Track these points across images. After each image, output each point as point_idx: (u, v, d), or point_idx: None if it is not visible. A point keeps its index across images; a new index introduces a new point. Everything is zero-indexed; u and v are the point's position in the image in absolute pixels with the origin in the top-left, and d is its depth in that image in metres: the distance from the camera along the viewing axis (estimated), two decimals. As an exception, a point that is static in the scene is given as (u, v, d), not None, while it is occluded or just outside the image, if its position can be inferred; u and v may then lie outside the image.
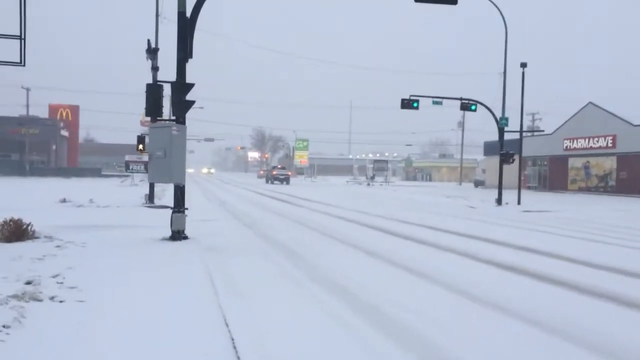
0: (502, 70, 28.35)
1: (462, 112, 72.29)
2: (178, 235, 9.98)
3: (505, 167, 55.83)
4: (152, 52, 17.21)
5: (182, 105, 9.57)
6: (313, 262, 8.58)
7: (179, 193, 10.03)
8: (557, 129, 46.71)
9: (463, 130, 69.05)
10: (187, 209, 10.31)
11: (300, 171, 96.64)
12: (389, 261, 8.91)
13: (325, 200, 28.94)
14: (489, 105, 28.24)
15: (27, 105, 56.96)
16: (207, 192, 35.34)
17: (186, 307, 5.36)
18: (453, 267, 8.60)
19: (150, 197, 21.65)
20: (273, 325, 4.96)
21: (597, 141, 41.57)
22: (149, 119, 59.67)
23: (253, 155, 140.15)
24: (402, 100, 27.15)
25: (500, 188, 28.42)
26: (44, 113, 69.09)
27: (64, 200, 20.90)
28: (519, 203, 28.23)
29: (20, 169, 56.83)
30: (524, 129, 31.81)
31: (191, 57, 9.96)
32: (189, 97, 10.00)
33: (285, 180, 57.05)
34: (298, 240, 11.23)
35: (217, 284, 6.50)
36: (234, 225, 14.31)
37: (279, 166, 66.74)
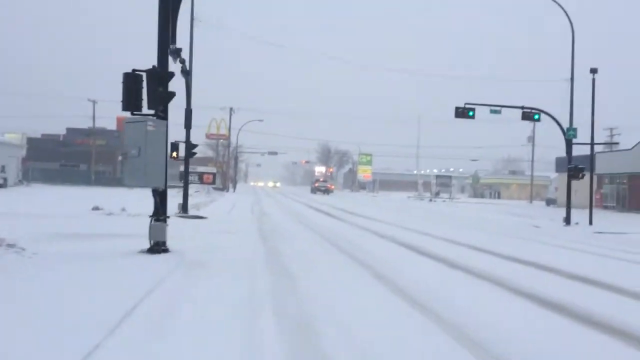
0: (570, 76, 25.52)
1: (531, 125, 68.63)
2: (157, 247, 8.61)
3: (579, 184, 51.57)
4: (175, 52, 16.20)
5: (158, 97, 8.24)
6: (301, 290, 6.87)
7: (158, 198, 8.67)
8: (637, 143, 42.47)
9: (533, 144, 64.77)
10: (168, 217, 8.94)
11: (362, 186, 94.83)
12: (397, 288, 7.09)
13: (364, 212, 27.13)
14: (557, 117, 25.48)
15: (94, 117, 58.81)
16: (257, 203, 34.35)
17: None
18: (482, 305, 6.66)
19: (184, 207, 20.68)
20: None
21: (685, 157, 37.22)
22: (215, 132, 59.93)
23: (320, 169, 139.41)
24: (457, 108, 24.92)
25: (568, 206, 25.49)
26: (112, 125, 71.37)
27: (96, 208, 20.33)
28: (590, 223, 25.21)
29: (86, 179, 58.56)
30: (600, 145, 28.63)
31: (174, 43, 8.66)
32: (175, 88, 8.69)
33: (325, 191, 65.62)
34: (304, 258, 9.59)
35: (137, 322, 4.94)
36: (252, 239, 12.84)
37: (322, 179, 76.12)
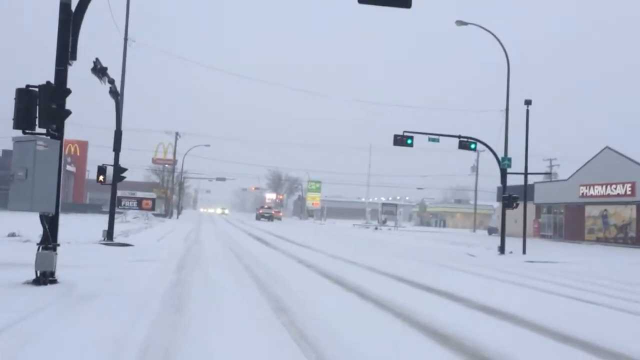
0: (505, 107, 26.24)
1: (476, 154, 70.41)
2: (44, 278, 7.95)
3: (519, 214, 52.87)
4: (99, 71, 15.61)
5: (51, 113, 7.72)
6: (181, 327, 6.38)
7: (47, 225, 8.05)
8: (573, 174, 44.09)
9: (477, 174, 66.37)
10: (58, 245, 8.30)
11: (310, 213, 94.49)
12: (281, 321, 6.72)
13: (303, 241, 26.82)
14: (495, 147, 26.05)
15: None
16: (195, 231, 33.37)
17: None
18: (374, 339, 6.36)
19: (109, 234, 19.71)
20: None
21: (615, 188, 38.75)
22: (161, 156, 58.56)
23: (270, 196, 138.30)
24: (395, 136, 25.13)
25: (502, 235, 25.92)
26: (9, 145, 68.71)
27: (12, 235, 19.18)
28: (524, 252, 25.68)
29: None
30: (537, 175, 29.43)
31: (74, 58, 8.20)
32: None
33: (270, 218, 68.61)
34: (209, 289, 9.11)
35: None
36: (167, 268, 12.21)
37: (266, 206, 78.66)
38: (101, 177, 19.76)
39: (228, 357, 5.11)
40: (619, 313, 8.99)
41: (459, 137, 25.38)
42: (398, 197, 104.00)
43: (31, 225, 24.26)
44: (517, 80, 26.63)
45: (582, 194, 42.06)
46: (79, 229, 26.59)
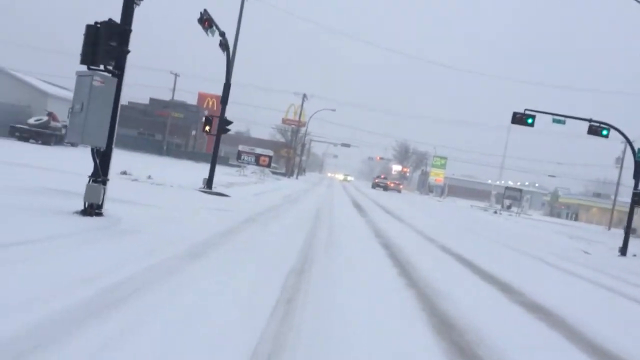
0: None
1: (622, 145, 63.37)
2: (91, 209, 8.27)
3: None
4: (207, 21, 15.90)
5: (109, 50, 7.84)
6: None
7: (98, 159, 8.31)
8: None
9: (621, 166, 59.78)
10: (108, 179, 8.56)
11: (431, 189, 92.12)
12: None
13: (400, 213, 25.94)
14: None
15: (174, 90, 60.80)
16: (302, 191, 33.84)
17: None
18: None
19: (209, 182, 20.52)
20: None
21: None
22: (289, 117, 60.89)
23: (396, 167, 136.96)
24: (514, 114, 23.10)
25: (627, 235, 23.05)
26: (194, 99, 73.79)
27: (124, 173, 20.69)
28: (650, 256, 22.65)
29: (159, 149, 60.81)
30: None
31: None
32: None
33: (384, 187, 70.14)
34: (249, 244, 8.94)
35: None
36: (238, 219, 12.30)
37: (382, 176, 79.66)
38: (207, 128, 20.52)
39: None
40: None
41: (590, 120, 22.66)
42: (527, 183, 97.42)
43: (154, 168, 26.15)
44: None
45: None
46: (193, 176, 28.15)
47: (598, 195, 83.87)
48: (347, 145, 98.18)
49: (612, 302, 9.44)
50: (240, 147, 43.43)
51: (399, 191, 75.76)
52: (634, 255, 22.90)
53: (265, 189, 28.76)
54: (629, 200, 74.56)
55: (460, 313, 6.17)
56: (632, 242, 39.20)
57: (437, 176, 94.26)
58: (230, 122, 20.92)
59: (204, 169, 40.69)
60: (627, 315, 8.39)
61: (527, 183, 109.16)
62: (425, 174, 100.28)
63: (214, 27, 17.25)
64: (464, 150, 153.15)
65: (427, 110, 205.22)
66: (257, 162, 42.06)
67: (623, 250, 22.79)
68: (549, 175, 75.18)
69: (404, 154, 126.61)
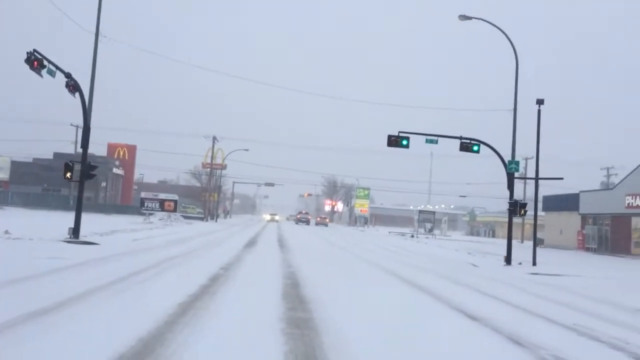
0: (513, 107, 24.11)
1: (525, 162, 66.67)
2: None
3: (565, 224, 49.47)
4: (32, 61, 15.24)
5: None
6: None
7: None
8: (619, 183, 40.54)
9: (525, 181, 62.55)
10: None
11: (357, 220, 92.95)
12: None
13: (304, 244, 25.75)
14: (499, 149, 23.88)
15: (76, 142, 58.67)
16: (205, 234, 32.92)
17: None
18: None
19: (75, 231, 19.42)
20: None
21: (665, 198, 35.07)
22: (208, 161, 59.00)
23: (329, 202, 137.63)
24: (389, 137, 23.54)
25: (509, 244, 23.77)
26: (103, 151, 71.52)
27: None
28: (534, 264, 23.37)
29: (64, 203, 58.03)
30: (547, 180, 26.94)
31: None
32: None
33: (306, 222, 75.58)
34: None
35: None
36: (64, 264, 11.50)
37: (304, 212, 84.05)
38: (68, 174, 19.55)
39: None
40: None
41: (460, 138, 23.43)
42: (452, 206, 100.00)
43: (40, 224, 24.37)
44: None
45: (629, 204, 38.41)
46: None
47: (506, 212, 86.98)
48: (271, 185, 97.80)
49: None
50: (143, 194, 42.08)
51: (326, 225, 76.49)
52: (520, 264, 23.57)
53: (156, 233, 27.75)
54: (539, 213, 77.12)
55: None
56: (539, 252, 40.83)
57: (361, 207, 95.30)
58: (95, 167, 20.08)
59: (105, 220, 39.26)
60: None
61: (452, 206, 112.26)
62: (351, 207, 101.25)
63: (52, 68, 16.69)
64: (393, 179, 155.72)
65: (346, 141, 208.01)
66: (161, 208, 40.77)
67: (508, 260, 23.41)
68: (460, 196, 77.76)
69: (332, 188, 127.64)
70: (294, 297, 9.44)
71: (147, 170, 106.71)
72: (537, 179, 24.33)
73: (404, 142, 23.48)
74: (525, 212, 23.52)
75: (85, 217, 42.75)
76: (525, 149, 67.09)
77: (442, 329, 7.85)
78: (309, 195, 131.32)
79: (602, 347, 7.23)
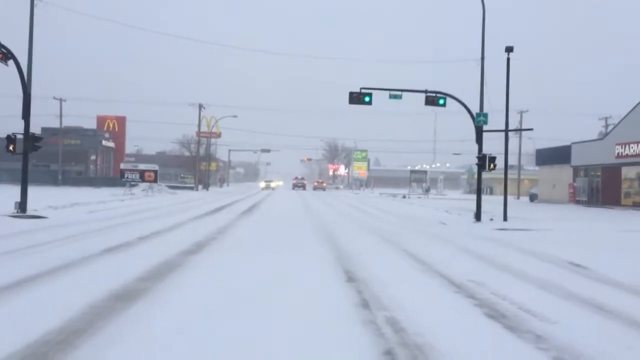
0: (480, 55, 22.88)
1: (518, 116, 65.28)
2: None
3: (557, 178, 48.28)
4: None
5: None
6: None
7: None
8: (609, 132, 39.26)
9: (520, 136, 61.16)
10: None
11: (357, 183, 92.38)
12: None
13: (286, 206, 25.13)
14: (466, 101, 22.79)
15: (60, 116, 57.94)
16: (179, 204, 32.34)
17: None
18: None
19: (22, 205, 18.78)
20: None
21: (654, 145, 33.87)
22: (202, 130, 58.32)
23: (332, 167, 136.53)
24: (351, 94, 22.52)
25: (479, 200, 22.86)
26: (93, 124, 70.81)
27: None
28: (504, 219, 22.56)
29: (53, 178, 57.66)
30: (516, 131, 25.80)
31: None
32: None
33: (302, 187, 76.76)
34: None
35: None
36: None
37: (299, 177, 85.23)
38: (11, 147, 18.81)
39: None
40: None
41: (425, 91, 22.35)
42: (455, 165, 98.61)
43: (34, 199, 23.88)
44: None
45: (618, 153, 37.23)
46: (42, 199, 25.98)
47: (511, 167, 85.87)
48: (267, 151, 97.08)
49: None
50: (122, 166, 41.44)
51: (323, 189, 76.60)
52: (491, 220, 22.80)
53: (121, 205, 27.10)
54: (534, 168, 75.76)
55: None
56: (530, 207, 40.04)
57: (359, 169, 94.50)
58: (39, 139, 19.31)
59: (86, 193, 38.78)
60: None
61: (447, 164, 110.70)
62: (352, 170, 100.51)
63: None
64: (384, 140, 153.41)
65: (345, 105, 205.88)
66: (142, 179, 40.14)
67: (477, 216, 22.62)
68: (454, 154, 76.57)
69: (333, 152, 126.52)
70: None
71: (140, 141, 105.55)
72: (506, 130, 23.25)
73: (367, 99, 22.47)
74: (495, 166, 22.54)
75: (67, 190, 42.73)
76: (519, 103, 65.17)
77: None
78: (309, 160, 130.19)
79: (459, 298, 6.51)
